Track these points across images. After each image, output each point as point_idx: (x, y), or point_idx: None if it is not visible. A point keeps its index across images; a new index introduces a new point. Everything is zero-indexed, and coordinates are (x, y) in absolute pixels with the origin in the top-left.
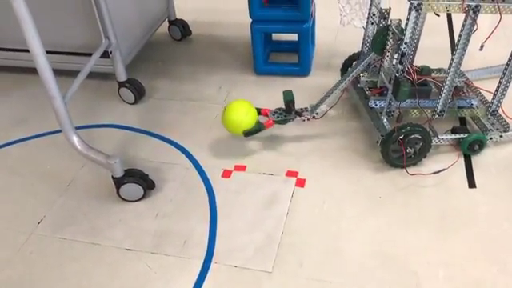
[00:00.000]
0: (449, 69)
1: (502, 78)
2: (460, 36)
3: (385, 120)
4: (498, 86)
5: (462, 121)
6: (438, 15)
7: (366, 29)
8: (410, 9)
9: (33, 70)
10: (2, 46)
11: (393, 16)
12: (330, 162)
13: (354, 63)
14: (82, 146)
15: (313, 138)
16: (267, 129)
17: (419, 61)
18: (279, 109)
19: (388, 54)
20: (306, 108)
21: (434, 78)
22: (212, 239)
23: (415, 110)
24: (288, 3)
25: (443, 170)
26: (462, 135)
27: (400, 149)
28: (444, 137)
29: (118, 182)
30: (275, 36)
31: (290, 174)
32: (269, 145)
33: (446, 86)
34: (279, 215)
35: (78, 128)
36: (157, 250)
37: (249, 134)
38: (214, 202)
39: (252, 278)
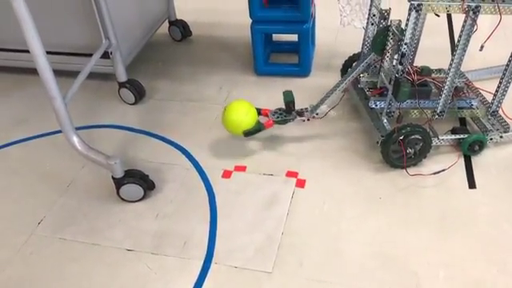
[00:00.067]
0: (449, 69)
1: (502, 79)
2: (460, 36)
3: (385, 120)
4: (498, 87)
5: (462, 121)
6: (438, 16)
7: (366, 29)
8: (410, 9)
9: (33, 71)
10: (2, 46)
11: (393, 16)
12: (330, 162)
13: (354, 64)
14: (83, 147)
15: (313, 139)
16: (267, 129)
17: (419, 61)
18: (279, 109)
19: (388, 54)
20: (306, 108)
21: (434, 79)
22: (212, 240)
23: (415, 111)
24: (288, 4)
25: (443, 170)
26: (462, 136)
27: (400, 149)
28: (444, 137)
29: (118, 183)
30: (275, 36)
31: (290, 174)
32: (269, 145)
33: (446, 87)
34: (279, 216)
35: (78, 128)
36: (157, 251)
37: (249, 134)
38: (214, 202)
39: (252, 278)
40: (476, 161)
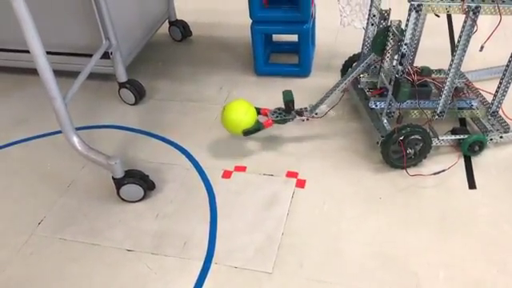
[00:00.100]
0: (449, 70)
1: (502, 79)
2: (460, 37)
3: (385, 121)
4: (498, 87)
5: (462, 122)
6: (438, 16)
7: (366, 30)
8: (410, 10)
9: (33, 71)
10: (2, 46)
11: (393, 17)
12: (331, 162)
13: (354, 64)
14: (83, 147)
15: (313, 139)
16: (266, 128)
17: (419, 62)
18: (278, 108)
19: (388, 54)
20: (305, 108)
21: (434, 79)
22: (212, 240)
23: (415, 111)
24: (288, 4)
25: (443, 170)
26: (462, 136)
27: (400, 150)
28: (444, 138)
29: (119, 183)
30: (275, 37)
31: (290, 174)
32: (269, 145)
33: (446, 87)
34: (279, 216)
35: (78, 129)
36: (157, 251)
37: (248, 133)
38: (214, 202)
39: (252, 278)
40: (476, 161)
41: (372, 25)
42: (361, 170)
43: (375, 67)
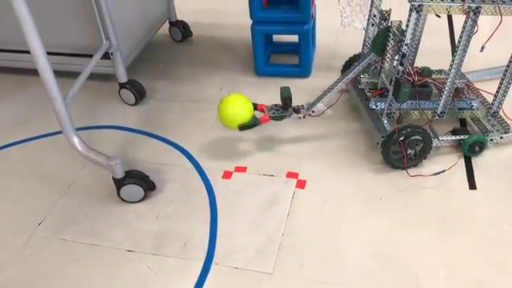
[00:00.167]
0: (449, 70)
1: (502, 80)
2: (461, 37)
3: (385, 121)
4: (499, 88)
5: (463, 122)
6: (439, 16)
7: (366, 30)
8: (410, 10)
9: (34, 72)
10: (3, 47)
11: (393, 17)
12: (331, 163)
13: (354, 64)
14: (83, 147)
15: (313, 140)
16: (263, 124)
17: (420, 62)
18: (275, 105)
19: (389, 55)
20: (302, 105)
21: (434, 80)
22: (212, 240)
23: (416, 112)
24: (288, 5)
25: (443, 171)
26: (462, 137)
27: (400, 150)
28: (444, 138)
29: (119, 184)
30: (276, 37)
31: (291, 175)
32: (269, 146)
33: (447, 88)
34: (280, 216)
35: (78, 129)
36: (157, 252)
37: (244, 128)
38: (214, 203)
39: (252, 279)
40: (476, 162)
41: (372, 25)
42: (361, 171)
43: (376, 68)
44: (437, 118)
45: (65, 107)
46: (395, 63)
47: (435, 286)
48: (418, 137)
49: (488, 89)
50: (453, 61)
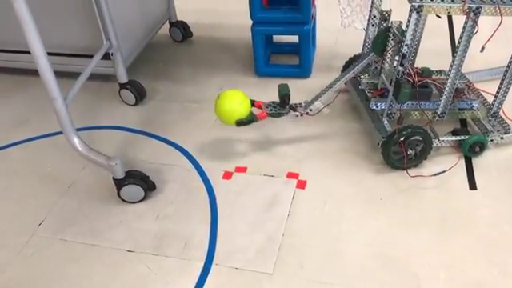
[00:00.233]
0: (450, 71)
1: (503, 80)
2: (461, 38)
3: (386, 122)
4: (499, 88)
5: (463, 123)
6: (439, 17)
7: (366, 31)
8: (410, 10)
9: (34, 72)
10: (3, 47)
11: (393, 18)
12: (331, 163)
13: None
14: (83, 148)
15: (313, 140)
16: (260, 121)
17: (420, 63)
18: (273, 102)
19: (389, 55)
20: (300, 103)
21: (434, 80)
22: (213, 241)
23: (416, 112)
24: (288, 5)
25: (444, 171)
26: (462, 137)
27: (401, 150)
28: (445, 138)
29: (119, 184)
30: (276, 38)
31: (291, 175)
32: (270, 146)
33: (447, 88)
34: (280, 217)
35: (78, 129)
36: (157, 252)
37: (241, 123)
38: (214, 203)
39: (253, 279)
40: (477, 162)
41: (373, 26)
42: (361, 171)
43: (376, 68)
44: (437, 118)
45: (65, 107)
46: (395, 64)
47: (435, 286)
48: (418, 137)
49: (488, 89)
50: (453, 61)
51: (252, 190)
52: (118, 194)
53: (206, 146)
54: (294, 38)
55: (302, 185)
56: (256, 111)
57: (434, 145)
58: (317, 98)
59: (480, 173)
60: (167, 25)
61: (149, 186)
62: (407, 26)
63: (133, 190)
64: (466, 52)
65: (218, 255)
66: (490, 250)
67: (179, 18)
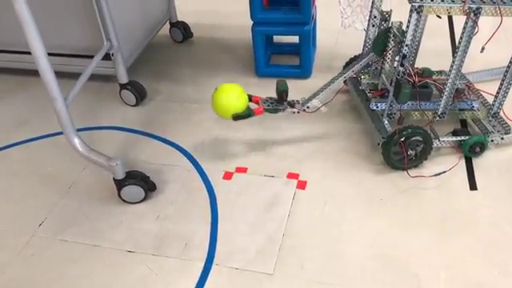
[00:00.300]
0: (450, 71)
1: (503, 80)
2: (461, 38)
3: (386, 122)
4: (500, 88)
5: (463, 123)
6: (440, 17)
7: (367, 31)
8: (411, 11)
9: (35, 72)
10: (4, 48)
11: (394, 18)
12: (331, 164)
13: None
14: (84, 148)
15: (314, 140)
16: (257, 116)
17: (420, 63)
18: (271, 98)
19: (389, 56)
20: (297, 100)
21: (435, 80)
22: (213, 241)
23: (416, 112)
24: (289, 5)
25: (444, 172)
26: (463, 137)
27: (401, 151)
28: (445, 139)
29: (120, 184)
30: (276, 38)
31: (291, 176)
32: (270, 147)
33: (447, 88)
34: (280, 217)
35: (79, 130)
36: (158, 252)
37: (238, 118)
38: (215, 203)
39: (253, 280)
40: (477, 162)
41: (373, 26)
42: (362, 172)
43: (376, 68)
44: (437, 118)
45: (65, 108)
46: (396, 64)
47: (436, 286)
48: (418, 137)
49: (488, 89)
50: (453, 62)
51: (252, 191)
52: (119, 195)
53: (206, 147)
54: (295, 39)
55: (302, 185)
56: (253, 106)
57: (435, 145)
58: (314, 95)
59: (480, 173)
60: (168, 25)
61: (149, 187)
62: (407, 27)
63: (133, 191)
64: (466, 52)
65: (219, 255)
66: (490, 251)
67: (179, 18)
